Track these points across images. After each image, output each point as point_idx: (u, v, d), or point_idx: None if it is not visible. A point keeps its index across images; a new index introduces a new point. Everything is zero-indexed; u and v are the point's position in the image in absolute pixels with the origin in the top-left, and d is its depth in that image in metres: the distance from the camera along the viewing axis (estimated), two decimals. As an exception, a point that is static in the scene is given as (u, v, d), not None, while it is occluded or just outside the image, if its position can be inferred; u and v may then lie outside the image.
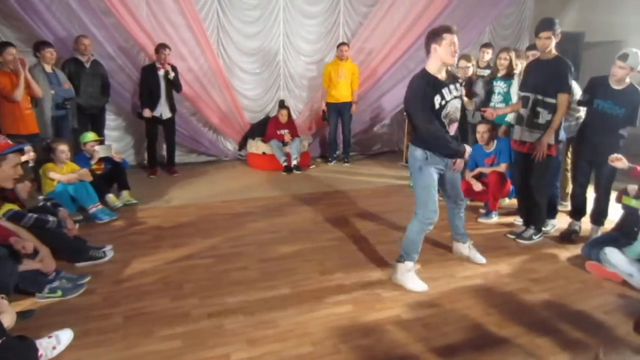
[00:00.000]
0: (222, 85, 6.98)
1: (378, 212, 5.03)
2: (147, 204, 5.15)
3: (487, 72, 5.75)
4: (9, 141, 3.27)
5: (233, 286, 3.35)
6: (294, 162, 6.82)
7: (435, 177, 3.34)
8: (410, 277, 3.39)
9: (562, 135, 4.27)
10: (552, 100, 3.95)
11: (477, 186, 4.95)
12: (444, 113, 3.21)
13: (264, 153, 6.97)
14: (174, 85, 6.18)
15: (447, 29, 3.13)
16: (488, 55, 5.93)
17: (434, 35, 3.16)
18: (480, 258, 3.84)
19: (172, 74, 6.08)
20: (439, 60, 3.17)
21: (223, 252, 3.95)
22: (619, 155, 3.78)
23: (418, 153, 3.31)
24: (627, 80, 4.01)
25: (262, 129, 7.15)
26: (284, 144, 6.88)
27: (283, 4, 7.24)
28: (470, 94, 5.45)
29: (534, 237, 4.32)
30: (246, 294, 3.24)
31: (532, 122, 4.07)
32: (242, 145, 7.42)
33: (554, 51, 3.97)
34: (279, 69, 7.53)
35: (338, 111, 7.19)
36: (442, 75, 3.23)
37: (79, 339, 2.67)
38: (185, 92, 6.66)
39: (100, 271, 3.52)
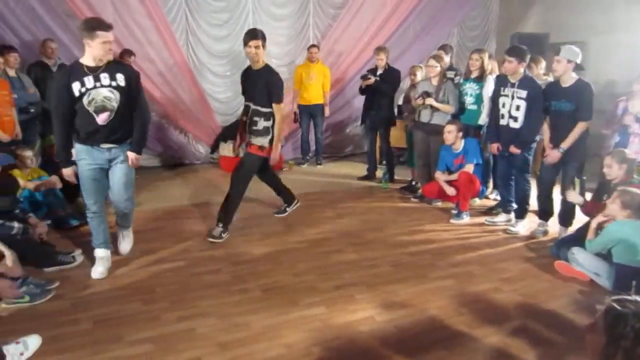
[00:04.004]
0: (191, 88, 6.90)
1: (350, 214, 5.04)
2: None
3: (452, 73, 5.80)
4: None
5: (204, 290, 3.32)
6: (267, 165, 6.76)
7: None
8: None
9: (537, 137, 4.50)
10: None
11: (450, 191, 4.96)
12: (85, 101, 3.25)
13: (237, 156, 6.88)
14: None
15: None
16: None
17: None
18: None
19: None
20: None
21: (194, 256, 3.91)
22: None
23: None
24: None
25: (234, 131, 7.06)
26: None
27: (252, 7, 7.21)
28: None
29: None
30: (218, 298, 3.21)
31: None
32: (214, 148, 7.32)
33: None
34: (250, 72, 7.49)
35: (310, 113, 7.18)
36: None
37: (47, 344, 2.62)
38: (155, 95, 6.57)
39: (68, 276, 3.43)
